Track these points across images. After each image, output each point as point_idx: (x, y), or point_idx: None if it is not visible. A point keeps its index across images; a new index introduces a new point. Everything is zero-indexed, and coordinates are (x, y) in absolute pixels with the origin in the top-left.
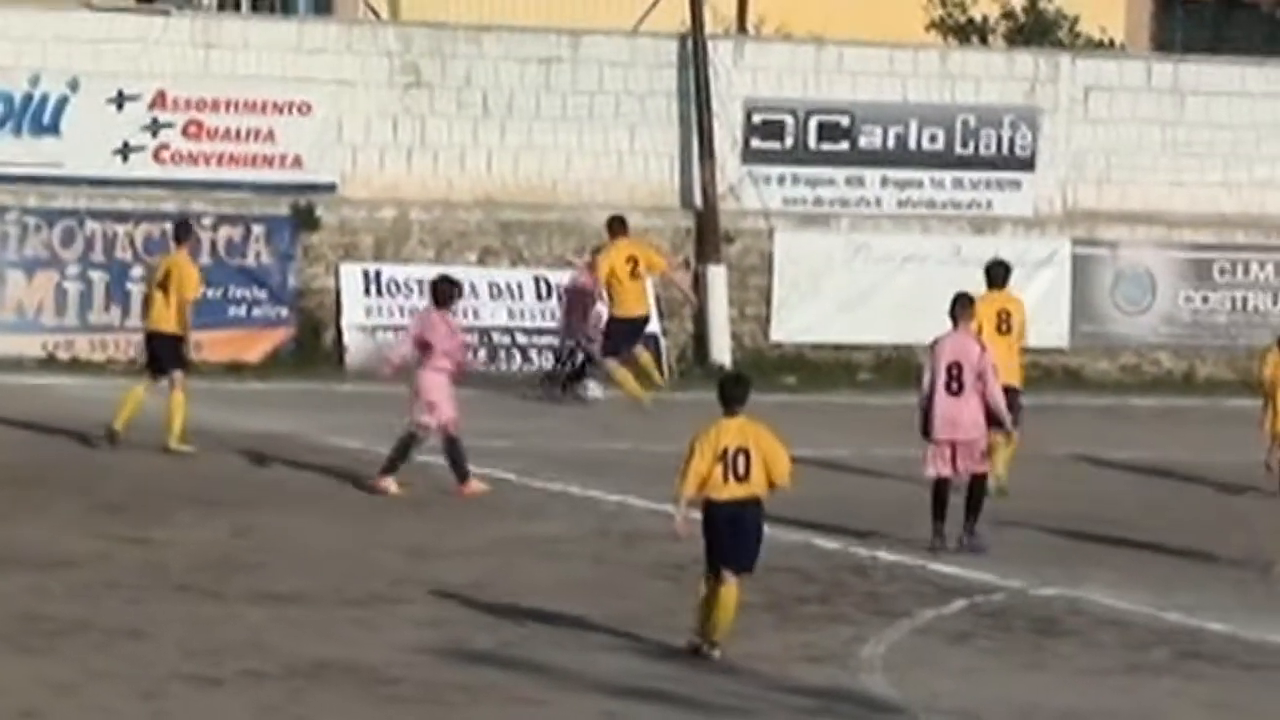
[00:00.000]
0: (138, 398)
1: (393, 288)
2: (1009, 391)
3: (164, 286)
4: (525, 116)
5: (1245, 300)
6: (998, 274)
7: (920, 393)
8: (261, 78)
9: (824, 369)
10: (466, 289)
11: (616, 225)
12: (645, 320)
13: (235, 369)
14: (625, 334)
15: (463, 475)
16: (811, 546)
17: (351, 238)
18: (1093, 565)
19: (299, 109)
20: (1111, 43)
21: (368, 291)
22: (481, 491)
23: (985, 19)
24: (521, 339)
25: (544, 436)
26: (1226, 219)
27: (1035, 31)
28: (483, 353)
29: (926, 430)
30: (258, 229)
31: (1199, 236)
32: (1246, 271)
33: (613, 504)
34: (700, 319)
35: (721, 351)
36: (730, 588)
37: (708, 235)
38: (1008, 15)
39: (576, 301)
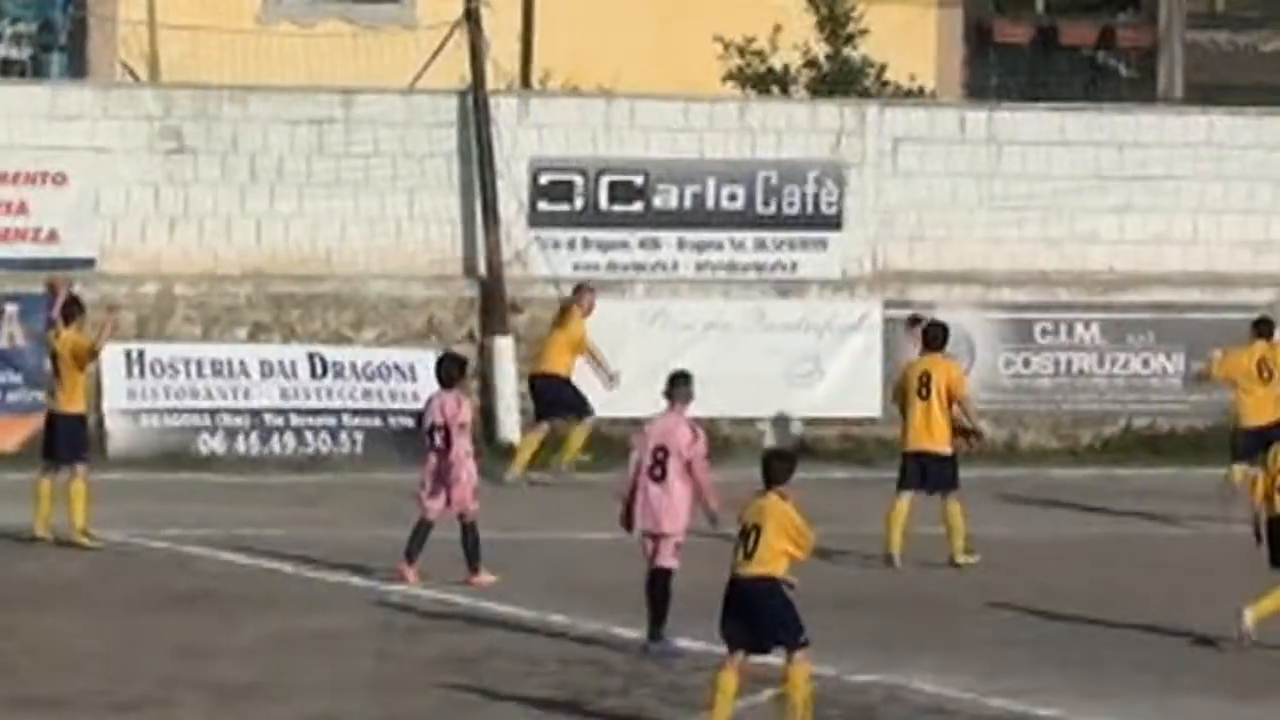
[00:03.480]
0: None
1: (157, 368)
2: (935, 458)
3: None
4: (296, 182)
5: (1070, 363)
6: (934, 335)
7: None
8: (12, 147)
9: (621, 445)
10: (236, 367)
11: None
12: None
13: None
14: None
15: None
16: (610, 635)
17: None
18: (913, 649)
19: (53, 180)
20: (921, 91)
21: (130, 373)
22: (489, 583)
23: (786, 68)
24: (296, 420)
25: (320, 525)
26: (1048, 277)
27: (840, 81)
28: (254, 435)
29: (627, 521)
30: (11, 308)
31: (1019, 296)
32: (1070, 332)
33: (396, 595)
34: (486, 393)
35: (510, 429)
36: (795, 669)
37: (493, 305)
38: (810, 64)
39: None
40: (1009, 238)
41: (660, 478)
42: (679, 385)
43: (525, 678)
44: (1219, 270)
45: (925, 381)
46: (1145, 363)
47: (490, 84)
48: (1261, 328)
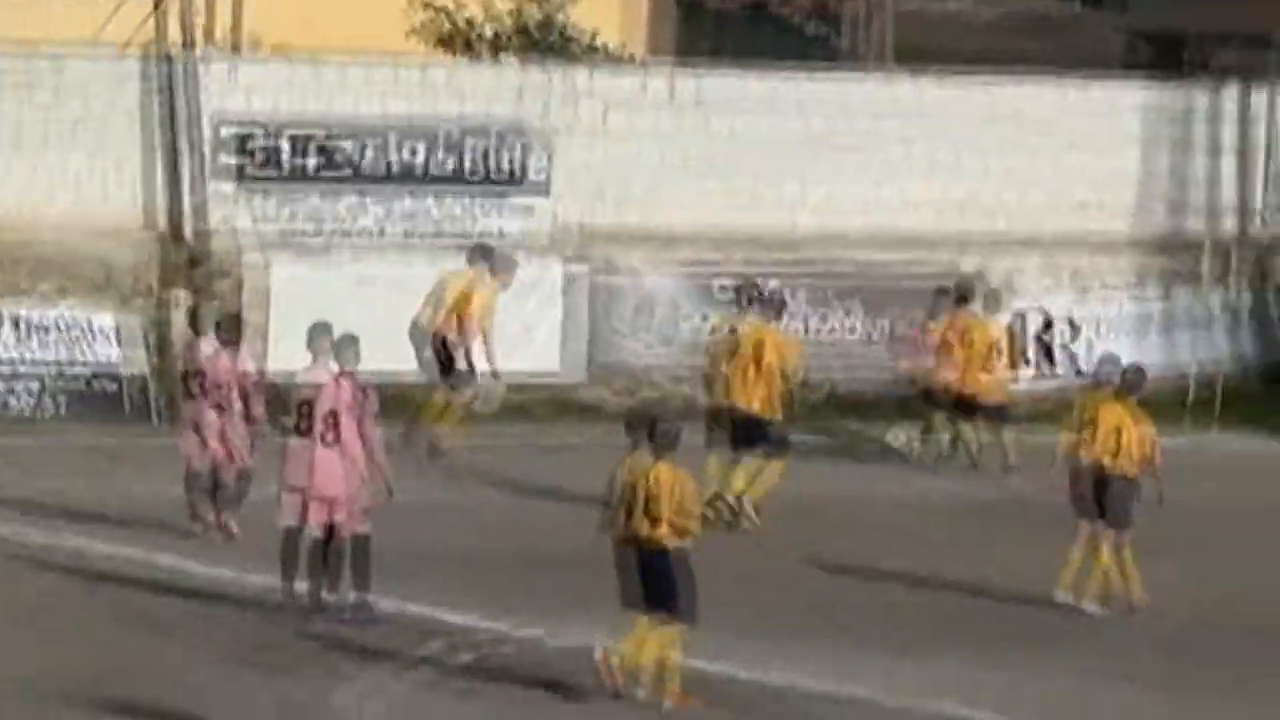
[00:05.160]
0: None
1: None
2: (751, 422)
3: None
4: None
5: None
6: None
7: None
8: None
9: None
10: None
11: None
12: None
13: None
14: None
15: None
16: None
17: None
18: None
19: None
20: (631, 57)
21: None
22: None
23: (497, 35)
24: None
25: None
26: (756, 240)
27: (549, 46)
28: None
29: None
30: None
31: (725, 261)
32: None
33: (99, 554)
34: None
35: None
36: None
37: (188, 266)
38: (521, 31)
39: None
40: (715, 204)
41: (333, 441)
42: (346, 347)
43: (208, 635)
44: (926, 234)
45: (759, 349)
46: (850, 329)
47: (179, 42)
48: (958, 293)
